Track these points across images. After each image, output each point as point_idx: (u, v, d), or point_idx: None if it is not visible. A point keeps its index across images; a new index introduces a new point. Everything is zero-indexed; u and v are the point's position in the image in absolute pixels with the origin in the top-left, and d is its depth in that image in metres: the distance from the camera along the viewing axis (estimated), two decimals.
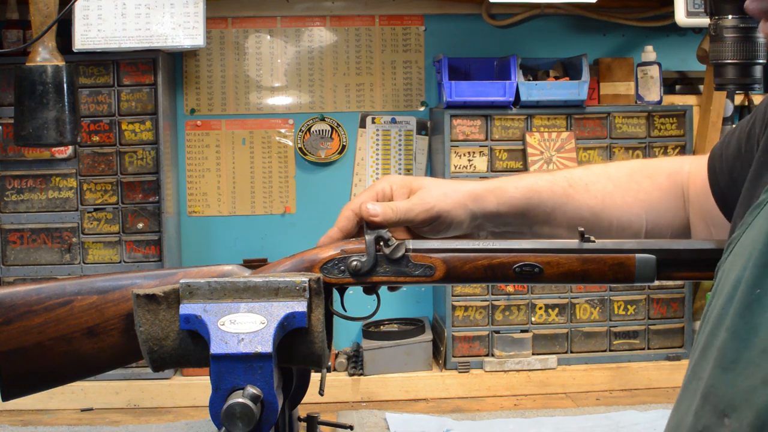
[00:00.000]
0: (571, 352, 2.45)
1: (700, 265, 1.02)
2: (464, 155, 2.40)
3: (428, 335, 2.45)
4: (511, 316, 2.43)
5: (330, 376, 2.29)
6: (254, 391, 0.89)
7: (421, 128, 2.60)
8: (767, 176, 0.88)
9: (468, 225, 1.12)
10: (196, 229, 2.58)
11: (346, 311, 1.10)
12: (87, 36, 2.16)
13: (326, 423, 1.28)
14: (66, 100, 1.87)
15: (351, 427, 1.28)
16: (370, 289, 1.08)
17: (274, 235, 2.60)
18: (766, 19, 0.83)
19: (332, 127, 2.58)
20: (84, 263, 2.34)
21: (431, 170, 2.59)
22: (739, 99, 2.58)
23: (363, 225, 1.07)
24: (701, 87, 2.56)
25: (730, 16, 1.41)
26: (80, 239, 2.34)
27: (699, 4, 2.07)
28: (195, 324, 0.95)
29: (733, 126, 1.21)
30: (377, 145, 2.59)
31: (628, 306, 2.47)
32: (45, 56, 1.85)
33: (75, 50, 2.17)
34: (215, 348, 0.91)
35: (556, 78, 2.45)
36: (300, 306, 0.95)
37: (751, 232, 0.81)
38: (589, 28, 2.62)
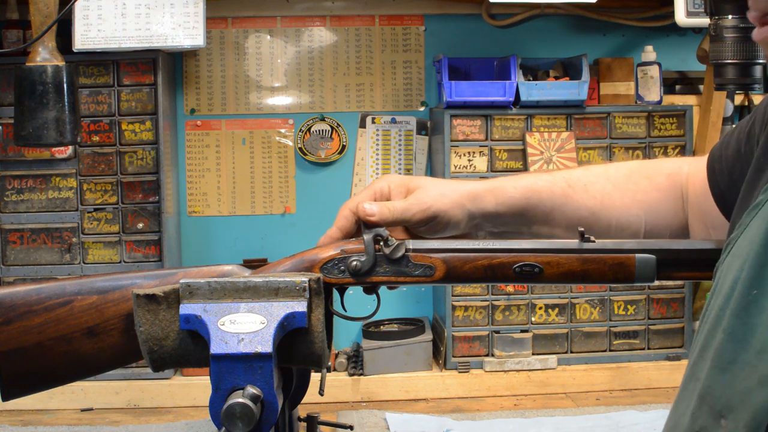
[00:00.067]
0: (571, 352, 2.45)
1: (700, 265, 1.02)
2: (464, 155, 2.40)
3: (428, 335, 2.45)
4: (511, 316, 2.44)
5: (330, 376, 2.29)
6: (254, 391, 0.89)
7: (421, 128, 2.60)
8: (765, 177, 0.88)
9: (465, 225, 1.12)
10: (196, 229, 2.58)
11: (346, 311, 1.10)
12: (87, 36, 2.16)
13: (326, 423, 1.28)
14: (66, 100, 1.87)
15: (351, 427, 1.28)
16: (370, 289, 1.08)
17: (274, 235, 2.60)
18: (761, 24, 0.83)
19: (332, 127, 2.59)
20: (84, 263, 2.34)
21: (431, 170, 2.59)
22: (739, 99, 2.58)
23: (361, 224, 1.08)
24: (701, 87, 2.56)
25: (730, 16, 1.41)
26: (80, 239, 2.34)
27: (699, 4, 2.07)
28: (195, 324, 0.95)
29: (733, 126, 1.21)
30: (377, 145, 2.59)
31: (628, 306, 2.47)
32: (45, 56, 1.85)
33: (75, 50, 2.17)
34: (215, 348, 0.91)
35: (556, 78, 2.45)
36: (300, 306, 0.95)
37: (749, 233, 0.81)
38: (589, 28, 2.62)
